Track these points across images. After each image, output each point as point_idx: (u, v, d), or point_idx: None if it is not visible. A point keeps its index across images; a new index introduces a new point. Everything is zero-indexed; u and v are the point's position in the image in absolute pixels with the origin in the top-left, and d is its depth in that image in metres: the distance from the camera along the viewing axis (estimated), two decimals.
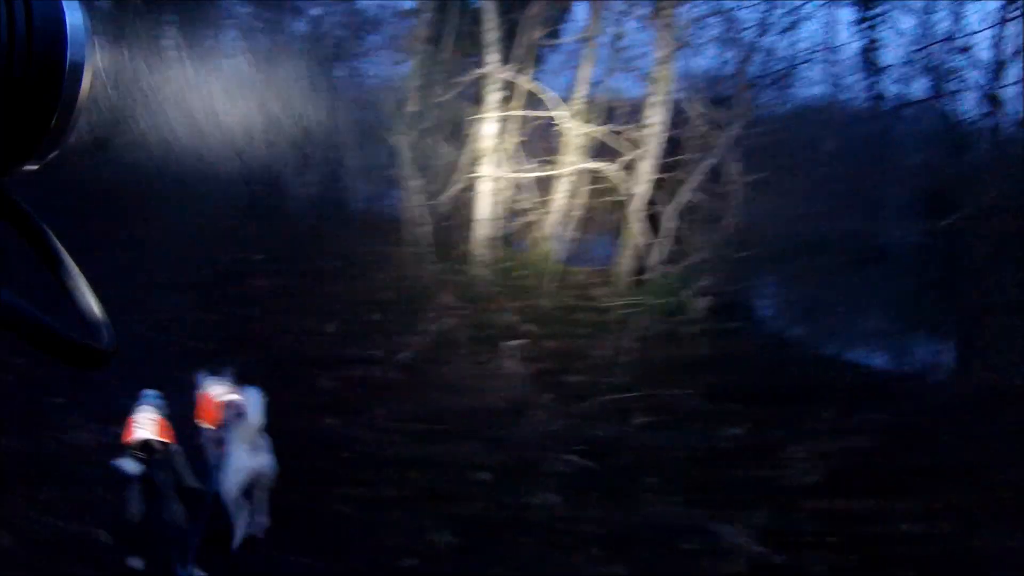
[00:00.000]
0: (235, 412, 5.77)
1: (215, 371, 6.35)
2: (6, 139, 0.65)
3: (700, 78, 10.11)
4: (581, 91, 10.47)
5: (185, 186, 12.58)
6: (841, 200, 9.24)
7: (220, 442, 5.88)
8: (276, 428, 7.12)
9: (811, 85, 10.39)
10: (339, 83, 13.59)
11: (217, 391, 6.09)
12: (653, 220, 10.07)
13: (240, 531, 5.76)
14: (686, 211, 9.38)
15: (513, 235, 11.14)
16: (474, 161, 10.42)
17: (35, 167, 0.70)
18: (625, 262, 10.08)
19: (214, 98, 14.80)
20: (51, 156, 0.70)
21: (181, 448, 5.76)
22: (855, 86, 10.40)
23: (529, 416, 7.83)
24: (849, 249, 9.21)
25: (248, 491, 5.80)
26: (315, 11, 15.18)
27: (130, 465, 5.40)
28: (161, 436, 5.48)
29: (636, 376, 8.58)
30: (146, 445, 5.38)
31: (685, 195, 9.01)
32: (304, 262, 10.65)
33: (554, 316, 9.51)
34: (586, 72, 10.60)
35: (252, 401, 5.74)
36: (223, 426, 5.88)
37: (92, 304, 0.74)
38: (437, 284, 9.86)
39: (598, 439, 7.76)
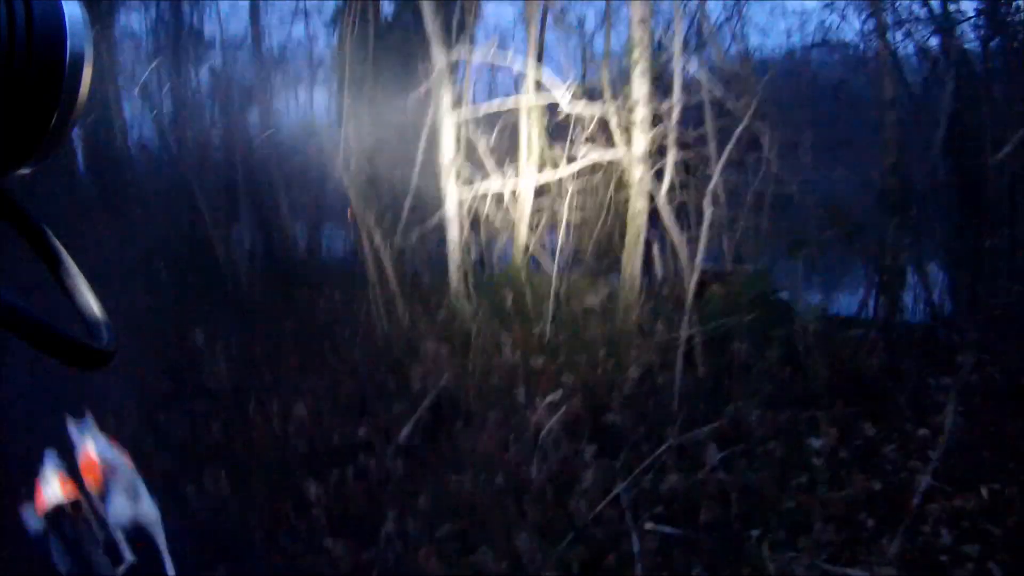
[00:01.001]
0: (110, 468, 4.65)
1: (77, 420, 5.23)
2: (6, 139, 0.64)
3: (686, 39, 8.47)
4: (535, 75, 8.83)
5: (98, 266, 10.63)
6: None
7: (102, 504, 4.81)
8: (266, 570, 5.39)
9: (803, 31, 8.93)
10: (256, 127, 11.98)
11: (90, 449, 4.95)
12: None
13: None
14: (716, 196, 7.66)
15: (500, 258, 9.39)
16: (436, 178, 8.70)
17: (35, 167, 0.68)
18: (634, 271, 8.37)
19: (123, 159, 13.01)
20: (51, 156, 0.67)
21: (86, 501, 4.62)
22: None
23: (582, 485, 6.07)
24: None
25: (144, 547, 4.60)
26: (216, 62, 13.79)
27: (33, 521, 4.48)
28: (65, 494, 4.47)
29: (693, 405, 6.94)
30: (60, 508, 4.40)
31: (713, 176, 7.30)
32: (253, 334, 8.71)
33: (574, 348, 7.78)
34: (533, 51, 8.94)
35: (114, 450, 4.76)
36: (104, 486, 4.75)
37: (92, 304, 0.73)
38: (419, 334, 8.05)
39: (675, 494, 6.07)
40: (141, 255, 10.64)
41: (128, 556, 4.88)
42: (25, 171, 0.66)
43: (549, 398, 6.61)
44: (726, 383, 7.23)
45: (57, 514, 4.53)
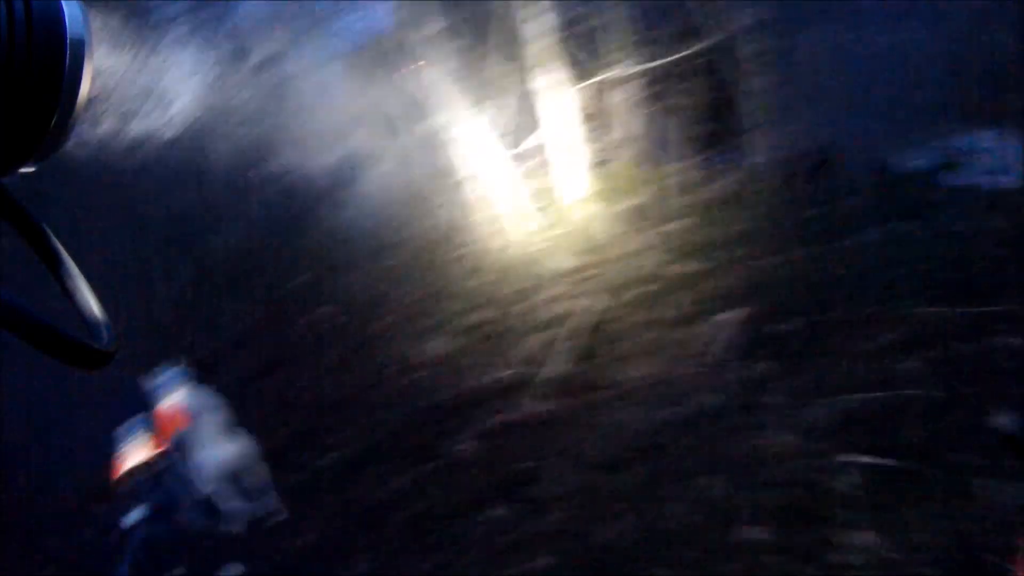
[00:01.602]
0: (189, 417, 5.37)
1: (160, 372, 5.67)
2: (6, 139, 0.63)
3: None
4: None
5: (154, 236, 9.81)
6: None
7: (185, 452, 5.43)
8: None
9: None
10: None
11: (167, 403, 5.57)
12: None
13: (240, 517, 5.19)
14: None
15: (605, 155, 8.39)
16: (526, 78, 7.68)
17: (35, 167, 0.67)
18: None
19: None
20: (51, 156, 0.67)
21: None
22: None
23: (769, 412, 5.26)
24: None
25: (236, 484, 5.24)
26: None
27: (131, 519, 4.99)
28: (149, 454, 5.11)
29: (869, 306, 6.02)
30: (133, 473, 5.03)
31: None
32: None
33: (711, 248, 6.86)
34: None
35: (203, 398, 5.48)
36: (182, 436, 5.37)
37: (92, 304, 0.72)
38: (539, 251, 7.20)
39: (873, 414, 5.20)
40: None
41: (222, 506, 5.14)
42: (26, 170, 0.64)
43: (724, 315, 5.75)
44: (903, 280, 6.28)
45: (140, 471, 4.97)
